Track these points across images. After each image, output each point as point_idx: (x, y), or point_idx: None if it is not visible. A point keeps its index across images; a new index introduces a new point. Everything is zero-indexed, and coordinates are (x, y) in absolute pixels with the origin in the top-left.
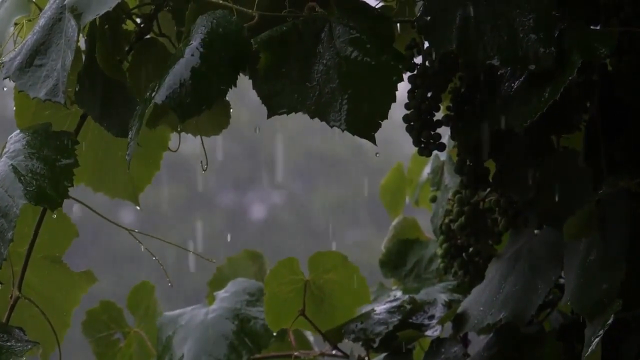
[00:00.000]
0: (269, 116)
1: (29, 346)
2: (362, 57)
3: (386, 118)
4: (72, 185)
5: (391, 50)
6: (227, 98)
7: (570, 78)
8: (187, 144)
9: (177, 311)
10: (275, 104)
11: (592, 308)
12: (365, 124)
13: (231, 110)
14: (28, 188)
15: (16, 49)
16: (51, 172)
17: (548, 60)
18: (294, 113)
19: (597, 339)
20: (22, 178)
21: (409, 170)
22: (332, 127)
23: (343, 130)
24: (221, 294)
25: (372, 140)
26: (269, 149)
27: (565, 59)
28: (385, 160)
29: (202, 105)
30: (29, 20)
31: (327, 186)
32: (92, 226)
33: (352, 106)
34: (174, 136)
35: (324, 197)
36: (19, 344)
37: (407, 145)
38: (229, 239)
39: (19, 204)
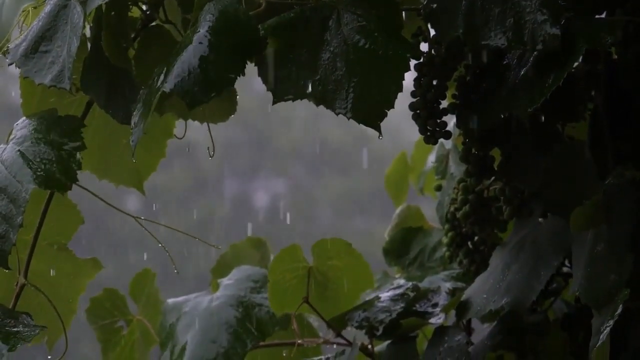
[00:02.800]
0: (274, 102)
1: (37, 331)
2: (370, 45)
3: (392, 107)
4: (80, 169)
5: (399, 38)
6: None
7: (575, 65)
8: (192, 131)
9: (181, 298)
10: (281, 90)
11: (601, 298)
12: (371, 112)
13: (237, 97)
14: (37, 173)
15: (22, 36)
16: (59, 156)
17: (554, 41)
18: (299, 100)
19: (606, 330)
20: (30, 163)
21: (413, 158)
22: (337, 114)
23: (349, 119)
24: (225, 281)
25: (378, 129)
26: (275, 136)
27: (570, 46)
28: (391, 148)
29: (210, 93)
30: (35, 8)
31: (332, 174)
32: (97, 213)
33: (358, 94)
34: (179, 123)
35: (328, 186)
36: (27, 329)
37: (411, 134)
38: (232, 226)
39: (28, 189)
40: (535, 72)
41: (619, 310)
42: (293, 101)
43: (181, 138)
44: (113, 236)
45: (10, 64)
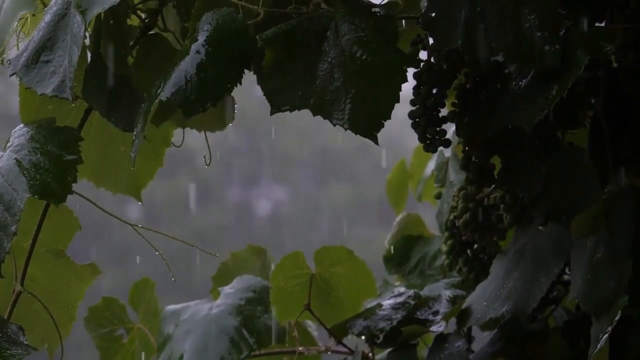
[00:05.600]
0: (272, 113)
1: (29, 351)
2: (367, 56)
3: (389, 118)
4: (76, 181)
5: (396, 49)
6: (234, 93)
7: (576, 76)
8: (194, 139)
9: (181, 305)
10: (279, 101)
11: (600, 305)
12: (368, 123)
13: (236, 105)
14: (32, 182)
15: (22, 46)
16: (55, 166)
17: (554, 57)
18: (297, 110)
19: (605, 336)
20: (25, 172)
21: (412, 165)
22: (335, 125)
23: (346, 129)
24: (226, 289)
25: (375, 139)
26: (276, 144)
27: (571, 56)
28: (393, 156)
29: (207, 103)
30: (33, 15)
31: (334, 182)
32: (100, 221)
33: (355, 105)
34: (178, 131)
35: (330, 194)
36: (19, 348)
37: (413, 141)
38: (234, 234)
39: (23, 198)
40: (538, 83)
41: (618, 317)
42: (291, 112)
43: (179, 146)
44: (117, 245)
45: (11, 75)
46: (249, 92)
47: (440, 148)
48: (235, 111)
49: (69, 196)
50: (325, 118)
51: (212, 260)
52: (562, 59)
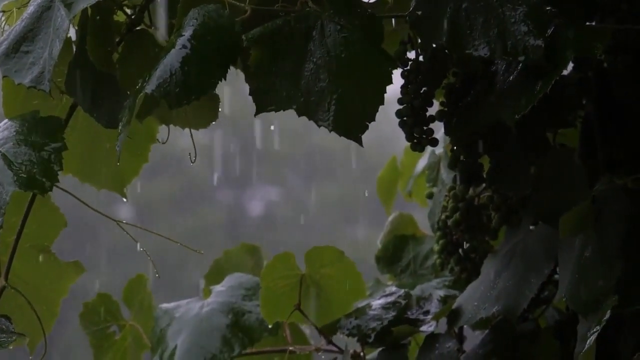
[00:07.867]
0: (257, 113)
1: (14, 337)
2: (352, 58)
3: (373, 120)
4: (62, 170)
5: (381, 51)
6: (225, 92)
7: (564, 72)
8: (185, 139)
9: (173, 304)
10: (263, 101)
11: (588, 304)
12: (352, 125)
13: (220, 103)
14: (18, 174)
15: (4, 35)
16: (40, 157)
17: (538, 52)
18: (282, 110)
19: (593, 336)
20: (11, 165)
21: (403, 163)
22: (319, 126)
23: (330, 131)
24: (217, 288)
25: (359, 141)
26: (268, 144)
27: (558, 53)
28: (385, 155)
29: (191, 96)
30: (19, 9)
31: (326, 182)
32: (96, 220)
33: (340, 106)
34: (164, 129)
35: (322, 194)
36: (4, 335)
37: (404, 140)
38: (226, 234)
39: (8, 191)
40: (523, 79)
41: (607, 317)
42: (275, 112)
43: (164, 143)
44: (110, 243)
45: None
46: (240, 92)
47: (433, 147)
48: (220, 109)
49: (60, 193)
50: (310, 119)
51: (205, 258)
52: (549, 56)
